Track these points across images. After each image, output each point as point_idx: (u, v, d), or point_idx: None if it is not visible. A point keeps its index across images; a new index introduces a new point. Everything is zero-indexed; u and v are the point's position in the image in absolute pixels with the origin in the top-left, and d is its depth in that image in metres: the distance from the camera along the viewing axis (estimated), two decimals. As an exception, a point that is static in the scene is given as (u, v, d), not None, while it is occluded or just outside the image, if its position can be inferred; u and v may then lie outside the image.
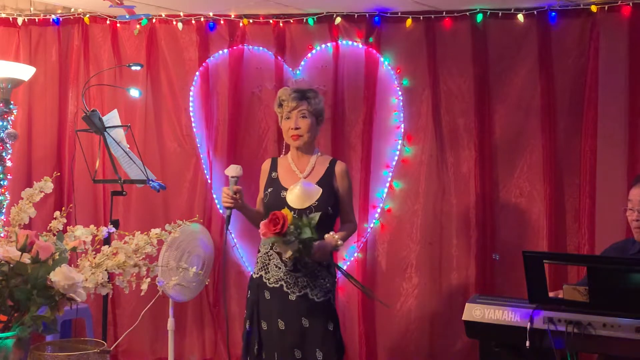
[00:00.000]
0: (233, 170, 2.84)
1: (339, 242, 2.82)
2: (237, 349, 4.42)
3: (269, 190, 2.95)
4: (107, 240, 1.92)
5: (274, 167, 3.03)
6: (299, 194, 2.83)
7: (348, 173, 3.02)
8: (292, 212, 2.73)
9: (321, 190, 2.84)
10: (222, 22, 4.50)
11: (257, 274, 2.93)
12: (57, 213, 1.80)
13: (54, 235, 1.77)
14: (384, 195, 4.29)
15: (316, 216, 2.70)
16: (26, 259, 1.61)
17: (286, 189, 2.88)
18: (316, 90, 3.05)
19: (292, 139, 2.95)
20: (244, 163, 4.42)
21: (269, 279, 2.87)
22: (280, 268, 2.86)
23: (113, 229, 1.87)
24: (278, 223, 2.57)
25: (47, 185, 1.79)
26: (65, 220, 1.82)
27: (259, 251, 3.00)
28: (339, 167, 2.98)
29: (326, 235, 2.78)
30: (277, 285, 2.85)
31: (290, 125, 2.93)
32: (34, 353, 1.65)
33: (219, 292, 4.46)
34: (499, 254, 4.13)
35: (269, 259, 2.90)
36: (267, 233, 2.60)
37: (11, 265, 1.61)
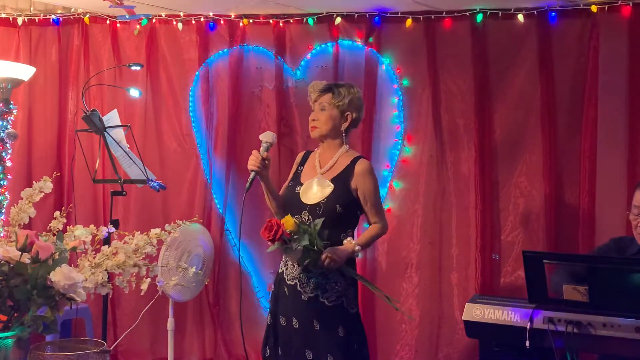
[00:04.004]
0: (268, 136, 2.79)
1: (356, 248, 2.74)
2: (236, 349, 4.43)
3: (290, 183, 2.95)
4: (107, 240, 1.92)
5: (303, 160, 3.00)
6: (311, 189, 2.81)
7: (371, 172, 2.85)
8: (305, 211, 2.75)
9: (332, 187, 2.78)
10: (222, 22, 4.50)
11: (281, 269, 2.90)
12: (57, 213, 1.80)
13: (54, 235, 1.77)
14: (384, 195, 4.28)
15: (319, 222, 2.63)
16: (26, 259, 1.61)
17: (302, 184, 2.86)
18: (350, 84, 2.95)
19: (310, 130, 2.93)
20: (243, 163, 4.46)
21: (287, 276, 2.84)
22: (295, 266, 2.81)
23: (113, 229, 1.87)
24: (271, 230, 2.55)
25: (46, 185, 1.79)
26: (65, 220, 1.82)
27: None
28: (360, 166, 2.83)
29: (345, 241, 2.73)
30: (292, 284, 2.81)
31: (311, 117, 2.92)
32: (34, 353, 1.65)
33: (219, 291, 4.46)
34: (499, 254, 4.13)
35: None
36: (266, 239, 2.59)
37: (11, 265, 1.61)
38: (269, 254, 4.37)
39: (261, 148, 2.78)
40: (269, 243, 2.60)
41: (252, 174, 2.77)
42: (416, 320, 4.22)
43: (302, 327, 2.78)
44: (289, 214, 2.67)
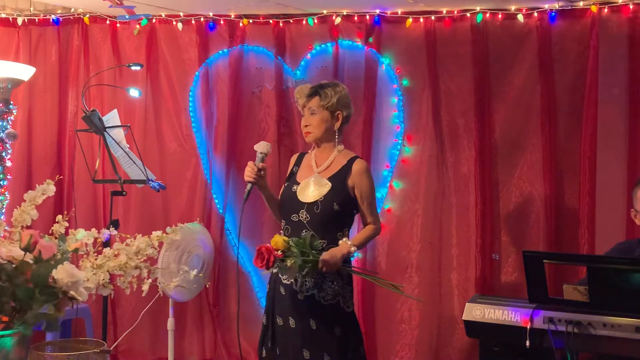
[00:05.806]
0: (263, 146, 2.82)
1: (352, 249, 2.76)
2: (236, 349, 4.43)
3: (286, 184, 2.97)
4: (107, 243, 1.92)
5: (298, 162, 3.03)
6: (308, 188, 2.84)
7: (368, 172, 2.90)
8: (303, 209, 2.78)
9: (330, 185, 2.81)
10: (222, 22, 4.50)
11: (276, 268, 2.90)
12: (59, 217, 1.80)
13: (56, 238, 1.77)
14: (384, 195, 4.29)
15: (308, 235, 2.69)
16: (29, 258, 1.62)
17: (298, 184, 2.88)
18: (335, 83, 2.95)
19: (304, 136, 2.95)
20: (243, 164, 4.43)
21: (282, 275, 2.85)
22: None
23: (114, 231, 1.87)
24: (264, 259, 2.59)
25: (49, 188, 1.79)
26: (67, 224, 1.82)
27: None
28: (357, 165, 2.86)
29: (340, 242, 2.75)
30: (288, 283, 2.83)
31: (303, 122, 2.94)
32: (34, 353, 1.65)
33: (219, 292, 4.46)
34: (499, 254, 4.14)
35: None
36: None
37: (14, 265, 1.61)
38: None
39: (256, 159, 2.81)
40: (264, 269, 2.63)
41: (248, 185, 2.81)
42: (416, 320, 4.22)
43: (299, 326, 2.79)
44: (277, 234, 2.71)
